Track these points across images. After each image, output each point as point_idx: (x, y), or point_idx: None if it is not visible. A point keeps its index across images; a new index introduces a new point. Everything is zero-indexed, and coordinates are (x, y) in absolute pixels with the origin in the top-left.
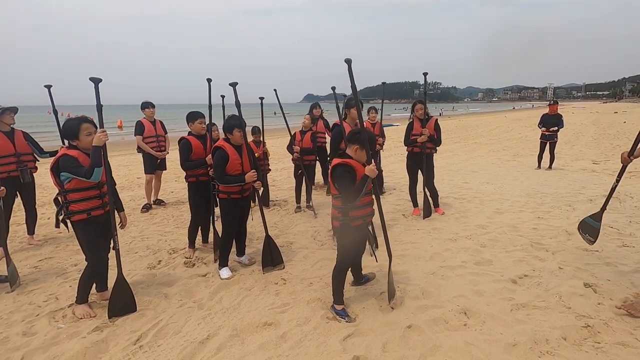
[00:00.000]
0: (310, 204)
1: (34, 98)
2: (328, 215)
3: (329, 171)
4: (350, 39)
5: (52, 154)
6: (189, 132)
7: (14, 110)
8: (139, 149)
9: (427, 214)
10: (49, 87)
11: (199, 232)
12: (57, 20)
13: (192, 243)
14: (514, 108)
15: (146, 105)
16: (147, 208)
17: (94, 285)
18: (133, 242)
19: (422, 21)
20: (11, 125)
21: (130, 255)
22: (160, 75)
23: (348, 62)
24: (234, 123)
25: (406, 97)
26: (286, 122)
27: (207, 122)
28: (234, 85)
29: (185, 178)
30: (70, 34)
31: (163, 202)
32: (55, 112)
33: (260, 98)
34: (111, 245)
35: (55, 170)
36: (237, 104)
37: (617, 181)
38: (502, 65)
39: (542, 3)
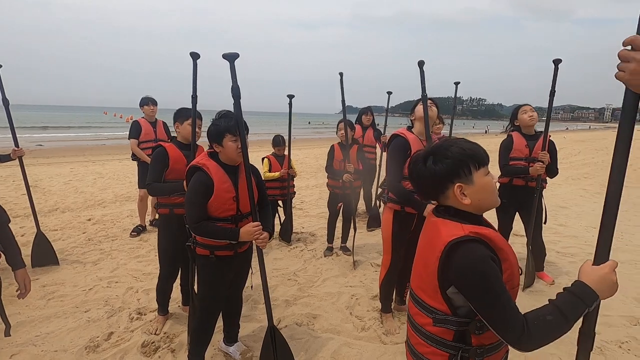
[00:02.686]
0: (347, 246)
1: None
2: (372, 266)
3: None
4: (392, 52)
5: (5, 158)
6: (172, 137)
7: None
8: (134, 156)
9: (528, 282)
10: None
11: (176, 290)
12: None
13: (162, 308)
14: (567, 129)
15: (145, 102)
16: (137, 231)
17: None
18: (95, 287)
19: (469, 37)
20: None
21: (77, 315)
22: (214, 83)
23: (420, 64)
24: (225, 126)
25: (448, 112)
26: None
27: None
28: (231, 59)
29: (156, 207)
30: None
31: None
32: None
33: (289, 96)
34: None
35: None
36: (235, 88)
37: None
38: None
39: (599, 19)
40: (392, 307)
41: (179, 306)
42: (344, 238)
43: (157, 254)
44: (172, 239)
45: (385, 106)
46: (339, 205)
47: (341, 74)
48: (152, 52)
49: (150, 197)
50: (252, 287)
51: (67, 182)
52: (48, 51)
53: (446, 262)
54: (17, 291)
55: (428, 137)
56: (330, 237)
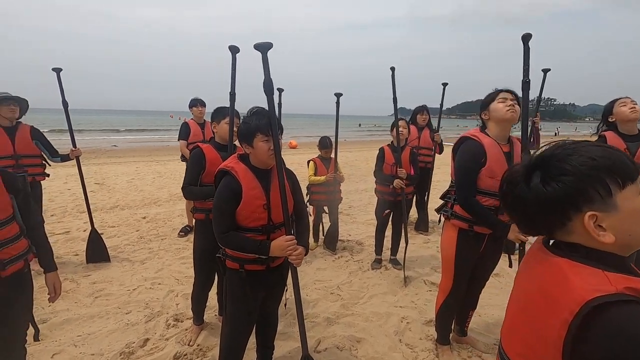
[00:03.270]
0: (398, 259)
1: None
2: (425, 284)
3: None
4: (449, 51)
5: (65, 158)
6: (210, 138)
7: (16, 100)
8: (183, 157)
9: None
10: None
11: (213, 298)
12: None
13: (198, 317)
14: None
15: (194, 103)
16: (185, 232)
17: None
18: (139, 288)
19: (534, 32)
20: (16, 120)
21: (118, 317)
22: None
23: (526, 38)
24: (256, 125)
25: None
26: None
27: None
28: (263, 50)
29: (192, 211)
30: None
31: None
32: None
33: (336, 94)
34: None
35: None
36: (267, 82)
37: None
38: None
39: None
40: (450, 337)
41: (215, 315)
42: (394, 250)
43: None
44: (207, 246)
45: (440, 103)
46: (385, 212)
47: (393, 69)
48: (206, 58)
49: None
50: (285, 305)
51: (130, 180)
52: (121, 58)
53: (583, 331)
54: (48, 294)
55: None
56: (379, 248)
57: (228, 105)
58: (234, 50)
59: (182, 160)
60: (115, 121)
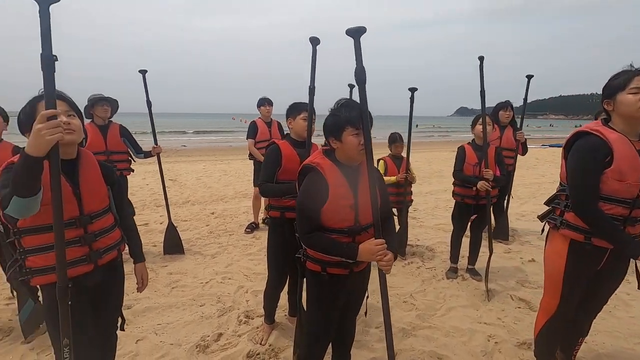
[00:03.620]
0: (477, 269)
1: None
2: (512, 300)
3: None
4: (520, 46)
5: (147, 154)
6: (286, 134)
7: (108, 101)
8: (251, 155)
9: None
10: None
11: (283, 299)
12: None
13: (269, 316)
14: None
15: (262, 102)
16: (251, 228)
17: None
18: (211, 281)
19: (615, 19)
20: (108, 119)
21: (193, 309)
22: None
23: None
24: (346, 117)
25: (585, 110)
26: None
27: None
28: (356, 35)
29: (267, 209)
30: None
31: None
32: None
33: (410, 89)
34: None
35: None
36: (359, 71)
37: None
38: None
39: None
40: None
41: (285, 315)
42: (473, 259)
43: (265, 253)
44: (282, 245)
45: (524, 97)
46: (472, 218)
47: (481, 59)
48: (270, 61)
49: None
50: (366, 313)
51: (199, 178)
52: (189, 65)
53: None
54: (136, 284)
55: None
56: (455, 256)
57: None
58: (314, 42)
59: (249, 159)
60: (183, 123)
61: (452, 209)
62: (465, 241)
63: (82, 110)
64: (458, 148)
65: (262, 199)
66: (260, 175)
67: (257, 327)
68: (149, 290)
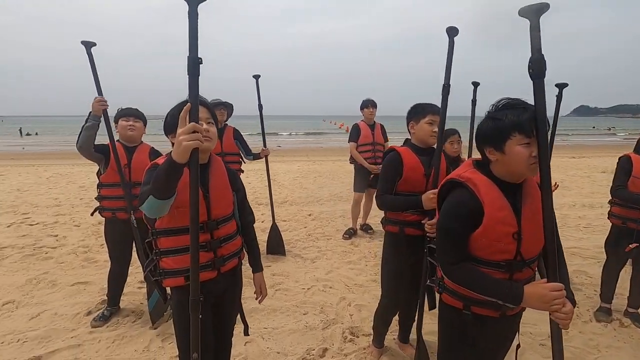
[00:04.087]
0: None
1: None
2: None
3: None
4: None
5: (256, 156)
6: (405, 140)
7: (225, 105)
8: (352, 159)
9: None
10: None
11: (395, 322)
12: None
13: (379, 339)
14: None
15: (365, 104)
16: (349, 234)
17: None
18: (312, 288)
19: None
20: (224, 122)
21: (296, 316)
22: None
23: None
24: (513, 122)
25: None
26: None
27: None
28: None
29: (383, 222)
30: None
31: (371, 229)
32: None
33: (558, 85)
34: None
35: None
36: (536, 59)
37: None
38: None
39: None
40: None
41: (394, 339)
42: (635, 300)
43: (367, 262)
44: (400, 264)
45: None
46: (632, 246)
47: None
48: (359, 61)
49: (363, 201)
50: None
51: (295, 178)
52: (276, 69)
53: None
54: (254, 293)
55: None
56: (608, 294)
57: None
58: (452, 33)
59: (350, 162)
60: (276, 125)
61: (608, 233)
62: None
63: None
64: (620, 158)
65: (362, 205)
66: (379, 186)
67: (364, 348)
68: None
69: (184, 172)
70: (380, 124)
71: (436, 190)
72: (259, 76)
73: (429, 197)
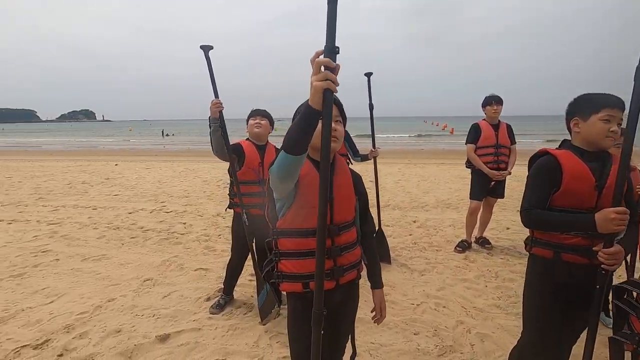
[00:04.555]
0: None
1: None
2: None
3: None
4: None
5: (364, 157)
6: (562, 141)
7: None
8: (468, 163)
9: None
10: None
11: None
12: None
13: None
14: None
15: (488, 101)
16: (463, 247)
17: None
18: (422, 305)
19: None
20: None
21: (406, 335)
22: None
23: None
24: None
25: None
26: None
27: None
28: None
29: (528, 243)
30: None
31: (489, 243)
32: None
33: None
34: None
35: None
36: None
37: None
38: None
39: None
40: None
41: None
42: None
43: (486, 282)
44: (552, 299)
45: None
46: None
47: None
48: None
49: (480, 211)
50: None
51: (397, 181)
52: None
53: None
54: (371, 311)
55: None
56: None
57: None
58: None
59: (467, 167)
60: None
61: None
62: None
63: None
64: None
65: (479, 216)
66: (525, 198)
67: None
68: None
69: (313, 175)
70: (507, 124)
71: (621, 209)
72: (371, 74)
73: (610, 218)
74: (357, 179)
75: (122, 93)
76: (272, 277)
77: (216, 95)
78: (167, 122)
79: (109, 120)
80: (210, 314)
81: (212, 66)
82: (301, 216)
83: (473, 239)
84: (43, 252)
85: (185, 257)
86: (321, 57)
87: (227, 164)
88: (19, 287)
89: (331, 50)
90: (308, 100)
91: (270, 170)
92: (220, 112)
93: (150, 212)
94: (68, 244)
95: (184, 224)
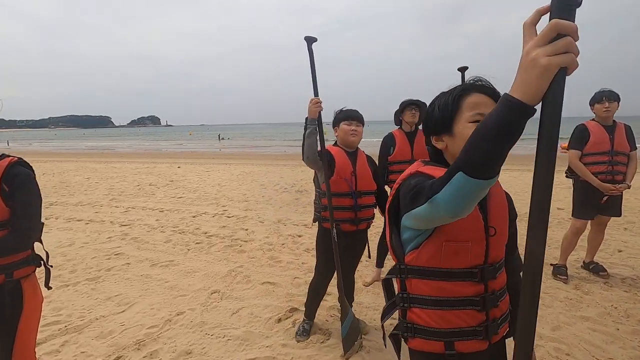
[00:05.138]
0: None
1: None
2: None
3: None
4: None
5: None
6: None
7: (417, 105)
8: (570, 172)
9: None
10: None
11: None
12: None
13: None
14: None
15: (598, 98)
16: (563, 273)
17: None
18: (538, 348)
19: None
20: (415, 125)
21: None
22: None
23: None
24: None
25: None
26: None
27: None
28: None
29: None
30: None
31: (604, 271)
32: None
33: None
34: None
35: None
36: None
37: None
38: None
39: None
40: None
41: None
42: None
43: (618, 324)
44: None
45: None
46: None
47: None
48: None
49: (589, 232)
50: None
51: None
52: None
53: None
54: None
55: None
56: None
57: None
58: None
59: (567, 176)
60: None
61: None
62: None
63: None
64: None
65: (588, 236)
66: None
67: None
68: None
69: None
70: (626, 125)
71: None
72: (466, 68)
73: None
74: (509, 198)
75: (183, 99)
76: (398, 328)
77: (316, 93)
78: (223, 127)
79: (171, 125)
80: (297, 341)
81: (314, 60)
82: (447, 252)
83: (580, 264)
84: (116, 255)
85: (251, 268)
86: (555, 20)
87: (283, 168)
88: (94, 292)
89: (569, 3)
90: (508, 92)
91: (436, 200)
92: (320, 112)
93: (213, 217)
94: (138, 247)
95: (246, 230)
